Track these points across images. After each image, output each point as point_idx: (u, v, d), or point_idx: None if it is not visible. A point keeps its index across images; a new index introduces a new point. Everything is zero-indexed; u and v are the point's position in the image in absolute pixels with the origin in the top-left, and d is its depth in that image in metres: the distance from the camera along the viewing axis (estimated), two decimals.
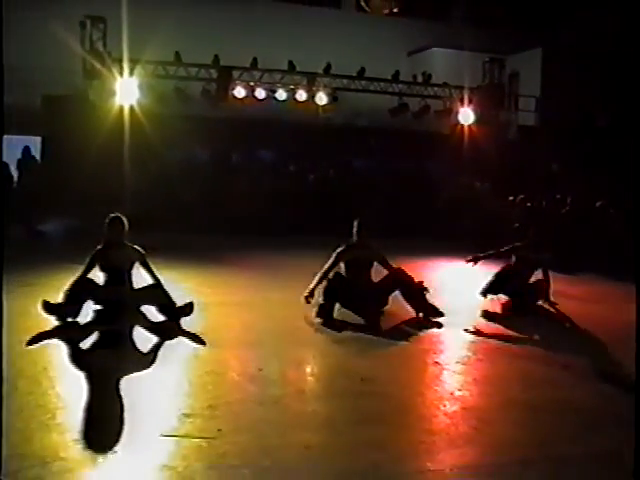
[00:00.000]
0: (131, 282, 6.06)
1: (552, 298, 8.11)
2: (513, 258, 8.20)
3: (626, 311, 6.86)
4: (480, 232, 13.37)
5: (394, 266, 7.47)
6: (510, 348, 6.27)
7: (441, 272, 10.56)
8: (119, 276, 5.92)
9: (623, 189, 13.21)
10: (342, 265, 7.40)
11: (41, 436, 3.80)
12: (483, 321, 7.42)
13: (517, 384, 5.22)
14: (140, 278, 6.11)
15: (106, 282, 5.91)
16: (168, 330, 5.52)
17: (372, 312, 7.08)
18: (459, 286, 9.23)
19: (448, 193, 16.21)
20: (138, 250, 6.19)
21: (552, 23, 19.01)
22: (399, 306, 7.34)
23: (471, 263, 8.23)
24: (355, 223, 7.54)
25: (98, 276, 5.90)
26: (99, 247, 6.12)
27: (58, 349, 5.11)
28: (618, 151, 15.09)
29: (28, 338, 4.97)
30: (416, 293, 7.34)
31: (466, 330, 6.92)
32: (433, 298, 7.38)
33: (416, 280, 7.46)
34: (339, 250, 7.43)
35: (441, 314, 7.28)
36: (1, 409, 3.18)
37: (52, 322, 5.01)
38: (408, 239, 12.94)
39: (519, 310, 7.79)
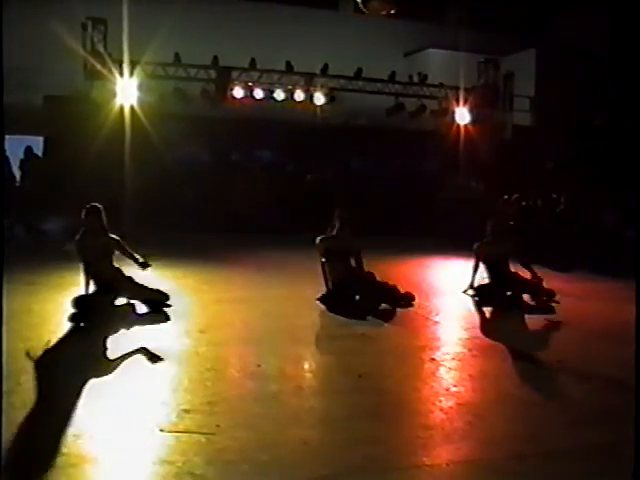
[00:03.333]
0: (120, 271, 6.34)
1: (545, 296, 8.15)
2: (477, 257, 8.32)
3: (619, 308, 6.95)
4: (475, 231, 13.41)
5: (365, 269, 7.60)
6: (505, 345, 6.29)
7: (437, 270, 10.61)
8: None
9: (618, 188, 13.26)
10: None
11: (43, 431, 3.83)
12: (478, 318, 7.48)
13: (512, 380, 5.23)
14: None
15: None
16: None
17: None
18: (455, 284, 9.27)
19: (444, 192, 16.25)
20: (114, 238, 6.46)
21: (545, 23, 19.05)
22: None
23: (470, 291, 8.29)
24: (336, 214, 7.59)
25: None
26: (77, 237, 6.34)
27: None
28: (612, 150, 15.16)
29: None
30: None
31: (461, 327, 6.98)
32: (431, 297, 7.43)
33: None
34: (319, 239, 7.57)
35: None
36: (2, 404, 3.22)
37: (52, 320, 5.04)
38: (404, 238, 12.96)
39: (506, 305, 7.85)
